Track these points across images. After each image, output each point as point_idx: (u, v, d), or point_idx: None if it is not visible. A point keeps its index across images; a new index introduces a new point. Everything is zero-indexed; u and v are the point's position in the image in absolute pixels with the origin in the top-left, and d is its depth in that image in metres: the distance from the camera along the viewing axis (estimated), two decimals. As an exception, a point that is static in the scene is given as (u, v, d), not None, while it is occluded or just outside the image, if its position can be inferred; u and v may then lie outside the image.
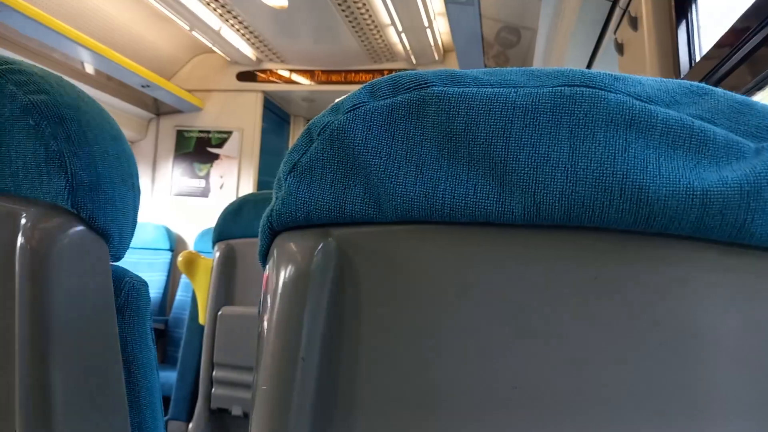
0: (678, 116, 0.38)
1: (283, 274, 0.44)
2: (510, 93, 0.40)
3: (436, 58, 4.06)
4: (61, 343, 0.48)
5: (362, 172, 0.43)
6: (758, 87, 0.96)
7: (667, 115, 0.38)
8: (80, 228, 0.52)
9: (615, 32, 1.78)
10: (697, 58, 1.24)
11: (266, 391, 0.43)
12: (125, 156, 0.57)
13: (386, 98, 0.44)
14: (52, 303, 0.47)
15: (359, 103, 0.44)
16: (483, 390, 0.41)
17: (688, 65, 1.29)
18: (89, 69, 3.36)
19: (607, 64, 2.06)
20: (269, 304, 0.45)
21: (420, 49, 3.87)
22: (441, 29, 3.74)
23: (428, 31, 3.60)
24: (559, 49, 2.45)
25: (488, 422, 0.40)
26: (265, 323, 0.45)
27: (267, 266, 0.47)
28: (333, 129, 0.44)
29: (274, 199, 0.47)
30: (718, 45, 1.07)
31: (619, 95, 0.38)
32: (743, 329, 0.38)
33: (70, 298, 0.49)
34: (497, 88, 0.41)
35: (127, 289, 0.54)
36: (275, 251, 0.46)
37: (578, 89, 0.39)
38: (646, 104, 0.38)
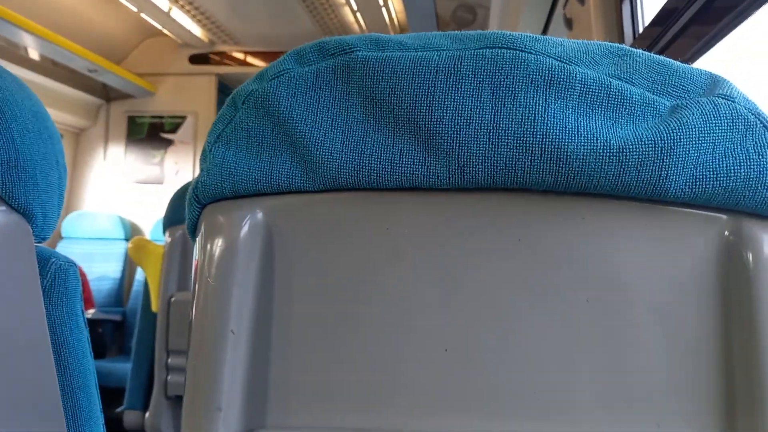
0: (596, 76, 0.38)
1: (211, 248, 0.43)
2: (433, 56, 0.40)
3: (393, 37, 4.05)
4: (-18, 328, 0.46)
5: (288, 140, 0.42)
6: (696, 57, 0.98)
7: (585, 75, 0.38)
8: (0, 208, 0.49)
9: (564, 7, 1.80)
10: (640, 31, 1.26)
11: (196, 367, 0.42)
12: (47, 133, 0.55)
13: (311, 64, 0.43)
14: (-28, 286, 0.46)
15: (284, 70, 0.43)
16: (415, 353, 0.41)
17: (632, 38, 1.31)
18: (33, 54, 3.24)
19: (558, 40, 2.07)
20: (199, 280, 0.44)
21: (375, 28, 3.84)
22: (396, 8, 3.72)
23: (383, 10, 3.58)
24: (511, 25, 2.47)
25: (422, 383, 0.41)
26: (195, 299, 0.44)
27: (196, 240, 0.46)
28: (257, 97, 0.43)
29: (200, 171, 0.46)
30: (658, 17, 1.09)
31: (539, 56, 0.39)
32: (662, 282, 0.39)
33: (-8, 281, 0.47)
34: (420, 51, 0.41)
35: (53, 270, 0.52)
36: (203, 225, 0.45)
37: (499, 51, 0.39)
38: (565, 65, 0.38)
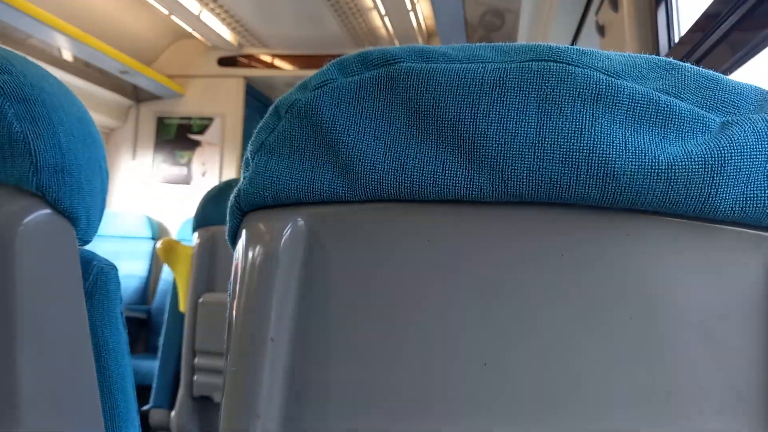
0: (644, 90, 0.38)
1: (252, 255, 0.44)
2: (478, 68, 0.40)
3: (420, 42, 4.05)
4: (27, 329, 0.47)
5: (331, 149, 0.42)
6: (734, 67, 0.96)
7: (633, 89, 0.38)
8: (46, 211, 0.51)
9: (596, 14, 1.78)
10: (676, 39, 1.24)
11: (236, 373, 0.43)
12: (91, 138, 0.56)
13: (355, 75, 0.43)
14: (17, 288, 0.47)
15: (327, 80, 0.43)
16: (454, 367, 0.41)
17: (667, 47, 1.30)
18: (67, 55, 3.30)
19: (589, 47, 2.05)
20: (239, 286, 0.45)
21: (403, 32, 3.85)
22: (424, 12, 3.72)
23: (411, 14, 3.58)
24: (542, 32, 2.45)
25: (461, 396, 0.40)
26: (235, 305, 0.45)
27: (236, 248, 0.47)
28: (301, 106, 0.43)
29: (241, 179, 0.46)
30: (695, 26, 1.08)
31: (586, 69, 0.38)
32: (707, 302, 0.38)
33: (36, 283, 0.49)
34: (465, 63, 0.41)
35: (95, 272, 0.53)
36: (244, 232, 0.45)
37: (545, 64, 0.39)
38: (613, 78, 0.38)
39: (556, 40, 2.26)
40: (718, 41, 0.99)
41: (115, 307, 0.54)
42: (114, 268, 0.55)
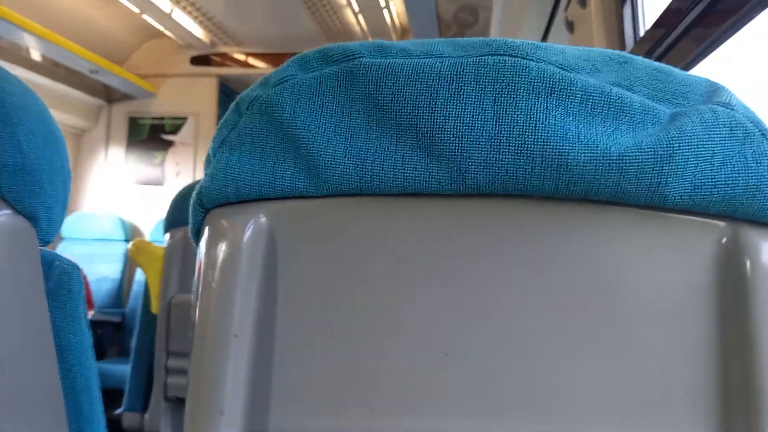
0: (597, 84, 0.39)
1: (214, 252, 0.44)
2: (435, 63, 0.41)
3: (394, 39, 4.05)
4: (-13, 331, 0.46)
5: (292, 145, 0.42)
6: (697, 60, 0.98)
7: (586, 82, 0.38)
8: (6, 212, 0.50)
9: (566, 10, 1.80)
10: (641, 35, 1.27)
11: (199, 370, 0.43)
12: (53, 137, 0.55)
13: (315, 70, 0.43)
14: (-24, 289, 0.46)
15: (288, 76, 0.43)
16: (417, 357, 0.41)
17: (633, 42, 1.32)
18: (35, 55, 3.24)
19: (559, 42, 2.08)
20: (201, 284, 0.44)
21: (377, 30, 3.85)
22: (398, 9, 3.72)
23: (385, 11, 3.58)
24: (513, 28, 2.47)
25: (424, 387, 0.41)
26: (198, 303, 0.45)
27: (199, 245, 0.46)
28: (261, 102, 0.43)
29: (203, 176, 0.46)
30: (659, 22, 1.10)
31: (540, 63, 0.39)
32: (661, 288, 0.39)
33: (-4, 284, 0.48)
34: (423, 58, 0.41)
35: (57, 273, 0.53)
36: (206, 229, 0.45)
37: (501, 58, 0.39)
38: (566, 72, 0.39)
39: (527, 36, 2.28)
40: (680, 36, 1.01)
41: (79, 307, 0.53)
42: (77, 268, 0.54)
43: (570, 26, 1.71)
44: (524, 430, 0.40)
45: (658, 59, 1.08)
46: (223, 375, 0.41)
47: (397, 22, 3.88)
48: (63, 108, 3.58)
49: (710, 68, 1.02)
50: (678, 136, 0.37)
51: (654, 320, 0.39)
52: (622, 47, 1.32)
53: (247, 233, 0.43)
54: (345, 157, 0.41)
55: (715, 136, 0.37)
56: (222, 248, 0.44)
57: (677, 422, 0.39)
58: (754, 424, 0.37)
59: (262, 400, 0.42)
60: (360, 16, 3.61)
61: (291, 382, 0.42)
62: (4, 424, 0.46)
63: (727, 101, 0.38)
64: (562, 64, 0.39)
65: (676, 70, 0.41)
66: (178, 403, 1.36)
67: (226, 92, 4.16)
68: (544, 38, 2.21)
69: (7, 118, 0.50)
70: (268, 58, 4.04)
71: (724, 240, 0.39)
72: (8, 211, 0.50)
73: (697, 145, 0.37)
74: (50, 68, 3.35)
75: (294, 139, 0.42)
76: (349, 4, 3.43)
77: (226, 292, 0.42)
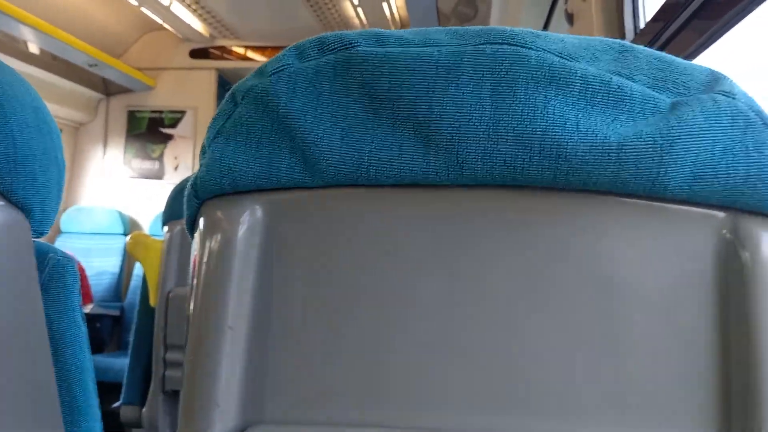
0: (597, 72, 0.38)
1: (209, 243, 0.43)
2: (433, 52, 0.40)
3: (393, 33, 4.03)
4: (-20, 323, 0.46)
5: (287, 135, 0.42)
6: (697, 52, 0.98)
7: (586, 71, 0.38)
8: None
9: (565, 3, 1.79)
10: (642, 27, 1.26)
11: (194, 363, 0.42)
12: (47, 128, 0.55)
13: (311, 59, 0.43)
14: (-31, 281, 0.45)
15: (284, 65, 0.43)
16: (414, 350, 0.41)
17: (633, 34, 1.31)
18: (33, 48, 3.22)
19: (559, 36, 2.07)
20: (197, 275, 0.44)
21: (377, 23, 3.83)
22: (397, 3, 3.70)
23: (384, 5, 3.57)
24: (512, 21, 2.46)
25: (421, 380, 0.41)
26: (194, 294, 0.44)
27: (194, 237, 0.46)
28: (257, 92, 0.43)
29: (199, 166, 0.46)
30: (659, 14, 1.09)
31: (539, 52, 0.38)
32: (660, 280, 0.39)
33: (-11, 276, 0.47)
34: (420, 47, 0.41)
35: (51, 265, 0.52)
36: (201, 220, 0.45)
37: (500, 47, 0.39)
38: (566, 61, 0.38)
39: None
40: (680, 28, 1.00)
41: (73, 300, 0.53)
42: (71, 260, 0.54)
43: (570, 18, 1.71)
44: (523, 426, 0.40)
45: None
46: (218, 367, 0.41)
47: (396, 15, 3.86)
48: (61, 101, 3.57)
49: (709, 61, 1.02)
50: (678, 125, 0.36)
51: (653, 313, 0.39)
52: (622, 39, 1.31)
53: (243, 224, 0.43)
54: (342, 147, 0.41)
55: (716, 125, 0.37)
56: (217, 239, 0.43)
57: (676, 417, 0.39)
58: (754, 419, 0.37)
59: (257, 393, 0.42)
60: (359, 9, 3.60)
61: (286, 374, 0.42)
62: (-2, 417, 0.45)
63: (728, 90, 0.38)
64: (561, 53, 0.38)
65: (677, 59, 0.40)
66: (175, 396, 1.36)
67: (225, 86, 4.15)
68: (544, 31, 2.20)
69: (0, 109, 0.49)
70: (267, 51, 4.02)
71: (725, 231, 0.39)
72: (1, 203, 0.49)
73: (698, 134, 0.36)
74: (48, 61, 3.34)
75: (290, 129, 0.42)
76: (349, -4, 3.41)
77: (220, 283, 0.42)
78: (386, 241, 0.41)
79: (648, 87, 0.38)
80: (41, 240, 0.54)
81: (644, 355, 0.39)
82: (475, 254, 0.40)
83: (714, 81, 0.39)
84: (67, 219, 3.59)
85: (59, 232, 3.61)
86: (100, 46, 3.47)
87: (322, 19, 3.70)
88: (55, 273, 0.53)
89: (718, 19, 0.91)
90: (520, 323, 0.40)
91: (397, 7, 3.79)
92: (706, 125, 0.36)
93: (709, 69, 0.40)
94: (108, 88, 3.92)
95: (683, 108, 0.37)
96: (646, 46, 0.42)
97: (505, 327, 0.40)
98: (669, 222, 0.39)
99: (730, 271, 0.38)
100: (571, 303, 0.39)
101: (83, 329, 0.54)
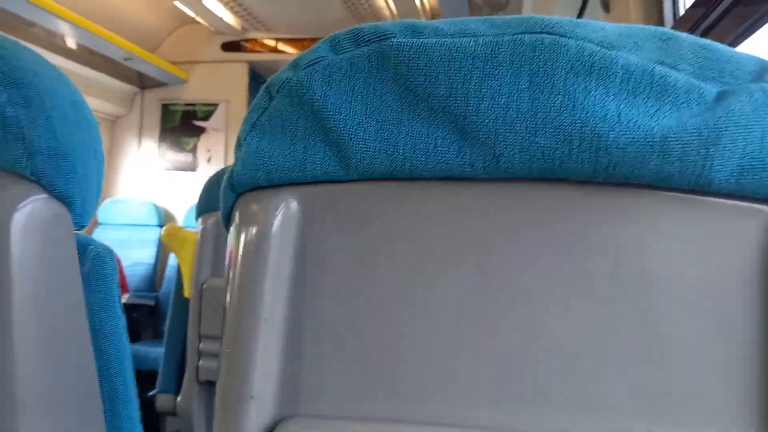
0: (639, 62, 0.37)
1: (245, 236, 0.44)
2: (470, 42, 0.39)
3: (424, 23, 4.00)
4: (24, 315, 0.47)
5: (322, 128, 0.42)
6: (739, 40, 0.94)
7: (628, 60, 0.37)
8: (41, 196, 0.50)
9: (601, -10, 1.75)
10: (681, 13, 1.22)
11: (229, 355, 0.43)
12: (86, 122, 0.56)
13: (346, 52, 0.42)
14: (14, 273, 0.47)
15: (319, 58, 0.43)
16: (449, 344, 0.40)
17: (672, 21, 1.27)
18: (70, 43, 3.29)
19: (594, 24, 2.03)
20: (232, 268, 0.44)
21: (407, 14, 3.80)
22: (427, -6, 3.67)
23: (415, -5, 3.54)
24: (546, 9, 2.42)
25: (456, 375, 0.40)
26: (229, 287, 0.45)
27: (230, 229, 0.46)
28: (292, 85, 0.43)
29: (234, 160, 0.46)
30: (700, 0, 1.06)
31: (579, 41, 0.37)
32: (703, 277, 0.38)
33: (33, 268, 0.49)
34: (457, 38, 0.40)
35: (92, 257, 0.53)
36: (237, 213, 0.45)
37: (538, 36, 0.38)
38: (606, 50, 0.37)
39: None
40: (722, 14, 0.97)
41: (113, 291, 0.54)
42: (111, 252, 0.55)
43: (605, 5, 1.67)
44: (559, 422, 0.39)
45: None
46: (254, 359, 0.41)
47: (427, 5, 3.83)
48: (98, 95, 3.64)
49: (753, 49, 0.98)
50: (725, 117, 0.35)
51: (697, 309, 0.38)
52: (661, 26, 1.28)
53: (278, 217, 0.43)
54: (376, 140, 0.41)
55: (766, 116, 0.35)
56: (253, 232, 0.43)
57: (716, 417, 0.38)
58: None
59: (292, 386, 0.42)
60: (390, 0, 3.58)
61: (321, 368, 0.42)
62: (41, 406, 0.46)
63: None
64: (602, 42, 0.37)
65: (723, 47, 0.39)
66: (210, 386, 1.38)
67: (257, 78, 4.18)
68: (579, 18, 2.15)
69: (41, 103, 0.50)
70: (298, 43, 4.03)
71: None
72: (43, 196, 0.50)
73: (746, 125, 0.35)
74: (85, 56, 3.41)
75: (325, 121, 0.42)
76: (379, -13, 3.39)
77: (256, 276, 0.42)
78: (421, 235, 0.41)
79: (693, 76, 0.37)
80: (81, 232, 0.55)
81: (685, 352, 0.38)
82: (512, 249, 0.40)
83: (763, 70, 0.37)
84: (104, 210, 3.67)
85: (96, 223, 3.70)
86: (134, 41, 3.52)
87: (353, 10, 3.69)
88: (95, 265, 0.54)
89: (761, 4, 0.87)
90: (558, 319, 0.39)
91: (427, -3, 3.76)
92: (755, 116, 0.35)
93: (758, 57, 0.38)
94: (143, 82, 3.99)
95: (730, 98, 0.36)
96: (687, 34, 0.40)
97: (542, 322, 0.39)
98: (714, 216, 0.37)
99: None
100: (611, 299, 0.38)
101: (122, 320, 0.55)
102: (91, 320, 0.53)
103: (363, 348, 0.42)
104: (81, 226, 0.54)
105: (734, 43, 0.96)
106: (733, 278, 0.38)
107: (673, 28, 1.23)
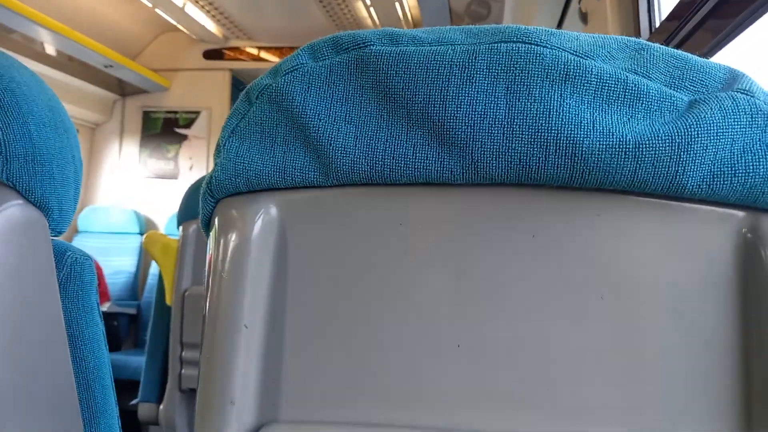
0: (612, 71, 0.38)
1: (224, 242, 0.44)
2: (447, 51, 0.40)
3: (406, 33, 4.02)
4: (0, 321, 0.46)
5: (302, 134, 0.42)
6: (714, 51, 0.96)
7: (601, 69, 0.38)
8: (17, 202, 0.50)
9: (579, 2, 1.78)
10: (657, 26, 1.25)
11: (210, 360, 0.42)
12: (63, 127, 0.55)
13: (325, 59, 0.43)
14: (-11, 280, 0.46)
15: (298, 65, 0.43)
16: (428, 348, 0.41)
17: (648, 33, 1.30)
18: (50, 50, 3.26)
19: (573, 35, 2.05)
20: (212, 274, 0.44)
21: (389, 23, 3.83)
22: (410, 3, 3.70)
23: (397, 4, 3.56)
24: (525, 20, 2.45)
25: (435, 378, 0.41)
26: (209, 293, 0.44)
27: (209, 235, 0.46)
28: (271, 91, 0.43)
29: (213, 166, 0.46)
30: (676, 11, 1.08)
31: (554, 50, 0.38)
32: (678, 280, 0.38)
33: (9, 275, 0.48)
34: (434, 46, 0.41)
35: (69, 263, 0.53)
36: (216, 219, 0.45)
37: (514, 45, 0.39)
38: (581, 59, 0.38)
39: (541, 29, 2.25)
40: (696, 27, 0.99)
41: (91, 298, 0.53)
42: (89, 258, 0.54)
43: (584, 17, 1.69)
44: (535, 425, 0.39)
45: (675, 49, 1.06)
46: (234, 365, 0.41)
47: (409, 15, 3.86)
48: (77, 102, 3.61)
49: (726, 59, 1.01)
50: (696, 124, 0.36)
51: (671, 311, 0.38)
52: (638, 38, 1.30)
53: (258, 223, 0.43)
54: (355, 146, 0.41)
55: (735, 123, 0.36)
56: (232, 238, 0.43)
57: (694, 418, 0.38)
58: None
59: (272, 391, 0.42)
60: (372, 9, 3.60)
61: (301, 372, 0.42)
62: (18, 415, 0.46)
63: (747, 88, 0.37)
64: (576, 51, 0.38)
65: (694, 57, 0.40)
66: (192, 394, 1.37)
67: (239, 86, 4.16)
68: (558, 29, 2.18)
69: (17, 109, 0.50)
70: (281, 51, 4.03)
71: (744, 230, 0.38)
72: (19, 201, 0.50)
73: (717, 132, 0.36)
74: (65, 63, 3.37)
75: (304, 128, 0.42)
76: (361, -4, 3.41)
77: (236, 282, 0.42)
78: (400, 240, 0.42)
79: (665, 85, 0.38)
80: (59, 239, 0.54)
81: (662, 355, 0.39)
82: (490, 254, 0.40)
83: (733, 79, 0.38)
84: (84, 218, 3.63)
85: (76, 231, 3.65)
86: (115, 48, 3.50)
87: (335, 19, 3.70)
88: (73, 271, 0.53)
89: (734, 17, 0.90)
90: (534, 322, 0.40)
91: (409, 7, 3.79)
92: (725, 123, 0.36)
93: (728, 67, 0.39)
94: (123, 89, 3.96)
95: (701, 106, 0.37)
96: (662, 45, 0.41)
97: (519, 326, 0.40)
98: (687, 221, 0.38)
99: (750, 269, 0.38)
100: (586, 302, 0.39)
101: (101, 327, 0.54)
102: (68, 327, 0.52)
103: (343, 353, 0.42)
104: (58, 233, 0.54)
105: (709, 53, 0.98)
106: (707, 281, 0.38)
107: (649, 39, 1.25)
